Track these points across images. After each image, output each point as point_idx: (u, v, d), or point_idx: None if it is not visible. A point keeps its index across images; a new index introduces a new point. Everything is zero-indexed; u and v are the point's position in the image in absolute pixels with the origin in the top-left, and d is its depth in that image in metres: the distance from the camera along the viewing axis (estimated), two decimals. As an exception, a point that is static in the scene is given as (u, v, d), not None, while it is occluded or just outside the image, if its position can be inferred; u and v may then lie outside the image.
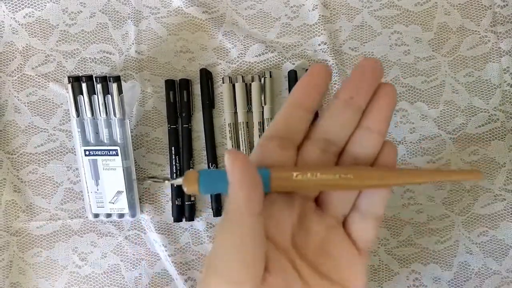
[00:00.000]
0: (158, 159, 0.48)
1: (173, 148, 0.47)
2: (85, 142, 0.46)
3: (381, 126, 0.29)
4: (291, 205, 0.28)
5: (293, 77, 0.47)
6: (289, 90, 0.47)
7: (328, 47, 0.47)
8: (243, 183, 0.25)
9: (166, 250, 0.48)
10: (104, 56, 0.49)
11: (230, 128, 0.47)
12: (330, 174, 0.27)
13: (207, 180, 0.27)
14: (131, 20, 0.49)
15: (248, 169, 0.25)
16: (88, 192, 0.46)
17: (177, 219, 0.47)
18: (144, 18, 0.49)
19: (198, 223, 0.48)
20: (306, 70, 0.48)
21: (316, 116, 0.29)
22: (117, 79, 0.44)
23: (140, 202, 0.48)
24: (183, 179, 0.27)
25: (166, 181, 0.27)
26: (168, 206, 0.48)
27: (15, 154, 0.49)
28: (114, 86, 0.44)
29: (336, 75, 0.47)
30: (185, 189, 0.27)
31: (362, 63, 0.28)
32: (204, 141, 0.48)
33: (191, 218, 0.47)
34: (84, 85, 0.44)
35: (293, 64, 0.48)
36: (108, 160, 0.45)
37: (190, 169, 0.28)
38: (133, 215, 0.47)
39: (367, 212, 0.29)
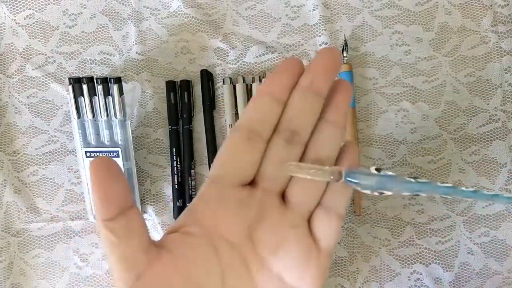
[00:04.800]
0: (159, 160, 0.48)
1: (174, 149, 0.47)
2: (86, 143, 0.46)
3: (340, 120, 0.29)
4: (248, 201, 0.28)
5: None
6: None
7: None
8: (94, 184, 0.26)
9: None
10: (104, 57, 0.49)
11: (231, 129, 0.47)
12: None
13: None
14: (132, 21, 0.48)
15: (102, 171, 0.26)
16: (89, 194, 0.46)
17: (178, 220, 0.47)
18: (144, 19, 0.48)
19: (199, 224, 0.48)
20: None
21: None
22: (118, 80, 0.44)
23: (142, 203, 0.48)
24: None
25: None
26: (169, 207, 0.48)
27: (16, 156, 0.49)
28: (114, 88, 0.44)
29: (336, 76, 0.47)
30: None
31: (321, 51, 0.29)
32: (205, 142, 0.48)
33: (192, 219, 0.47)
34: (85, 87, 0.44)
35: (294, 64, 0.48)
36: (109, 161, 0.45)
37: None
38: (134, 216, 0.47)
39: (331, 208, 0.29)
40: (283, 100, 0.29)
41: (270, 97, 0.28)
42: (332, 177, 0.27)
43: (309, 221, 0.29)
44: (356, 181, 0.28)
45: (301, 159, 0.29)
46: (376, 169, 0.28)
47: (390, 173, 0.28)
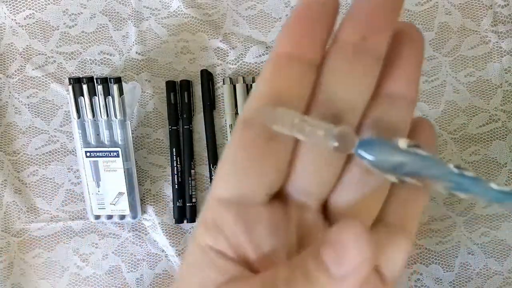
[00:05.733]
0: (159, 161, 0.48)
1: (174, 149, 0.47)
2: (86, 143, 0.46)
3: (410, 90, 0.19)
4: (284, 222, 0.19)
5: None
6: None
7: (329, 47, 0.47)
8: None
9: (168, 251, 0.48)
10: (104, 58, 0.49)
11: (231, 129, 0.47)
12: None
13: None
14: (132, 21, 0.48)
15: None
16: (89, 194, 0.46)
17: (179, 220, 0.47)
18: (144, 19, 0.48)
19: (199, 224, 0.48)
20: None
21: None
22: (118, 80, 0.44)
23: (142, 203, 0.48)
24: None
25: None
26: (169, 207, 0.48)
27: (16, 156, 0.49)
28: (114, 88, 0.44)
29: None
30: None
31: None
32: (205, 142, 0.48)
33: (192, 220, 0.47)
34: (85, 87, 0.44)
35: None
36: (109, 161, 0.45)
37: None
38: (134, 216, 0.47)
39: (396, 226, 0.20)
40: (317, 64, 0.18)
41: (297, 61, 0.18)
42: (336, 144, 0.17)
43: None
44: (372, 157, 0.17)
45: (348, 159, 0.19)
46: (413, 145, 0.18)
47: (428, 153, 0.18)
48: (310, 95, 0.18)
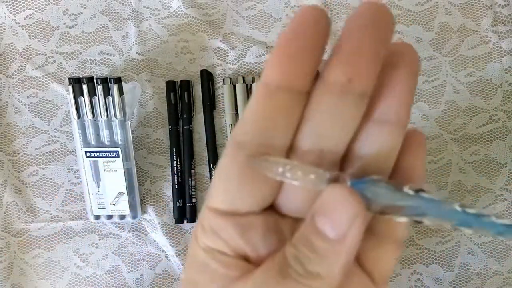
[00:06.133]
0: (159, 161, 0.48)
1: (174, 149, 0.47)
2: (86, 143, 0.46)
3: (400, 113, 0.18)
4: (277, 230, 0.20)
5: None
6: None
7: (329, 48, 0.47)
8: None
9: (168, 251, 0.48)
10: (104, 58, 0.49)
11: (231, 129, 0.47)
12: None
13: None
14: (132, 21, 0.48)
15: None
16: (89, 194, 0.46)
17: (179, 220, 0.47)
18: (144, 19, 0.48)
19: (199, 224, 0.48)
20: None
21: None
22: (118, 80, 0.44)
23: (142, 203, 0.48)
24: None
25: None
26: (169, 207, 0.48)
27: (16, 156, 0.49)
28: (114, 88, 0.44)
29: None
30: None
31: (360, 14, 0.17)
32: (205, 142, 0.48)
33: (192, 220, 0.47)
34: (85, 87, 0.44)
35: (294, 64, 0.48)
36: (109, 161, 0.45)
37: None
38: (134, 216, 0.47)
39: (385, 235, 0.20)
40: (306, 87, 0.18)
41: (284, 90, 0.18)
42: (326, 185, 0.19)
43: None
44: (368, 196, 0.18)
45: None
46: (416, 190, 0.18)
47: (432, 196, 0.18)
48: (298, 125, 0.19)
